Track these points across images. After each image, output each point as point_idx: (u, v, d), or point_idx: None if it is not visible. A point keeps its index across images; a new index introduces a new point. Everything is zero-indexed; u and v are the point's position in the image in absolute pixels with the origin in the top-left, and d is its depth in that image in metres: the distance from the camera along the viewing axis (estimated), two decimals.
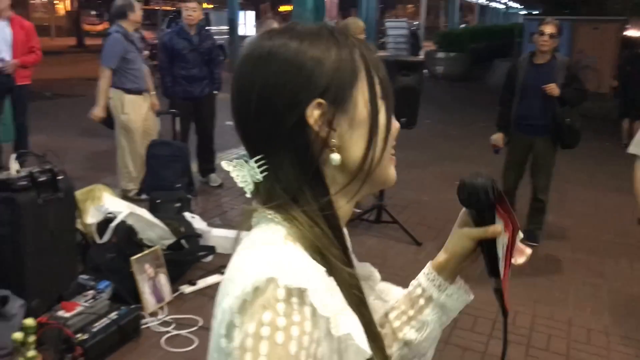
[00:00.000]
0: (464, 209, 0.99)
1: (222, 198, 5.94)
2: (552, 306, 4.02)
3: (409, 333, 1.00)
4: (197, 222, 4.53)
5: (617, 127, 9.53)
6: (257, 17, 23.28)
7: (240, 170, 0.83)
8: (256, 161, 0.82)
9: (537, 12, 28.37)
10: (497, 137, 5.02)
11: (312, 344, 0.69)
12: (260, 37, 0.84)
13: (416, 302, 1.00)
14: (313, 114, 0.79)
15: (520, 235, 0.96)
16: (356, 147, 0.82)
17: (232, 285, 0.72)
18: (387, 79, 0.85)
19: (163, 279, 3.77)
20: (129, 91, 5.46)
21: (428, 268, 1.02)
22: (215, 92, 6.11)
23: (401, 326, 1.00)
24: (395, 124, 0.88)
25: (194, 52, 5.84)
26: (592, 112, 11.08)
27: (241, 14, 20.58)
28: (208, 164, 6.31)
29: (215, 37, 6.42)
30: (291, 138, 0.79)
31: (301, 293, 0.69)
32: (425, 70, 13.94)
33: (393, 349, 1.00)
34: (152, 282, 3.69)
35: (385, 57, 5.25)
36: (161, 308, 3.68)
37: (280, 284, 0.68)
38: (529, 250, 0.96)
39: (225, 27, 18.47)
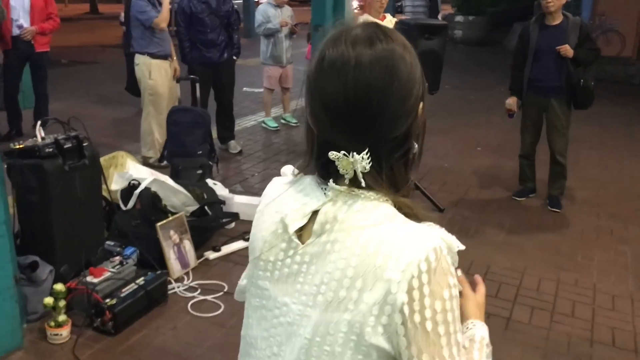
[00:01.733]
0: None
1: (242, 165, 5.93)
2: (576, 272, 4.00)
3: None
4: (219, 189, 4.54)
5: None
6: None
7: (345, 160, 0.91)
8: (366, 154, 0.91)
9: None
10: (512, 101, 4.99)
11: None
12: (363, 41, 0.92)
13: None
14: (420, 115, 0.97)
15: None
16: (421, 137, 1.00)
17: (398, 258, 0.87)
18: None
19: (188, 245, 3.80)
20: (155, 56, 5.43)
21: None
22: (234, 57, 6.05)
23: None
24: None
25: (212, 16, 5.77)
26: (615, 76, 10.88)
27: None
28: (228, 131, 6.30)
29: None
30: (405, 133, 0.94)
31: (454, 254, 0.92)
32: None
33: None
34: (177, 248, 3.72)
35: (408, 21, 5.14)
36: (186, 274, 3.72)
37: (445, 252, 0.88)
38: None
39: None
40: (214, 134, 6.08)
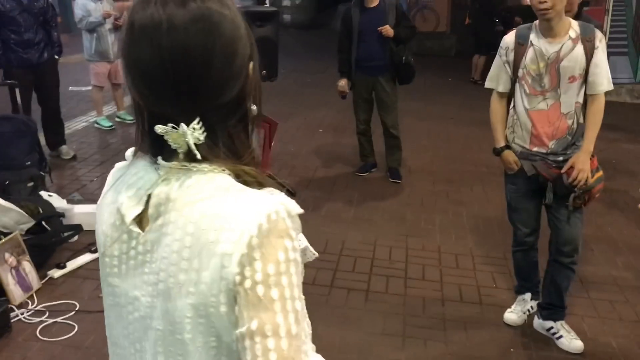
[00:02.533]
0: None
1: (78, 171, 5.53)
2: (421, 238, 4.29)
3: None
4: (56, 201, 4.20)
5: (458, 64, 10.17)
6: None
7: (174, 133, 0.85)
8: (197, 123, 0.86)
9: None
10: (343, 83, 5.22)
11: None
12: (175, 1, 0.84)
13: None
14: (251, 75, 0.92)
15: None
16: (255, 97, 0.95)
17: (231, 229, 0.81)
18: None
19: (28, 267, 3.47)
20: None
21: None
22: (56, 56, 5.59)
23: None
24: None
25: (25, 13, 5.26)
26: (432, 50, 11.74)
27: None
28: (57, 136, 5.82)
29: None
30: (238, 96, 0.90)
31: (294, 216, 0.85)
32: None
33: None
34: (15, 272, 3.38)
35: (240, 9, 5.06)
36: (30, 297, 3.40)
37: (282, 215, 0.83)
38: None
39: None
40: (42, 141, 5.59)
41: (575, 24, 2.81)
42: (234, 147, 0.90)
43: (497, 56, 2.98)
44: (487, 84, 3.06)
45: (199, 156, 0.86)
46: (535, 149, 2.90)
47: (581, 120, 2.84)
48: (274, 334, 0.79)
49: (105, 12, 6.33)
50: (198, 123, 0.86)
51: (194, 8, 0.83)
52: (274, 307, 0.80)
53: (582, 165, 2.78)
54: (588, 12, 7.68)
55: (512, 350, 3.09)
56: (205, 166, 0.87)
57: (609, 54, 9.69)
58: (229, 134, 0.90)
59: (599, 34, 2.79)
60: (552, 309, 3.14)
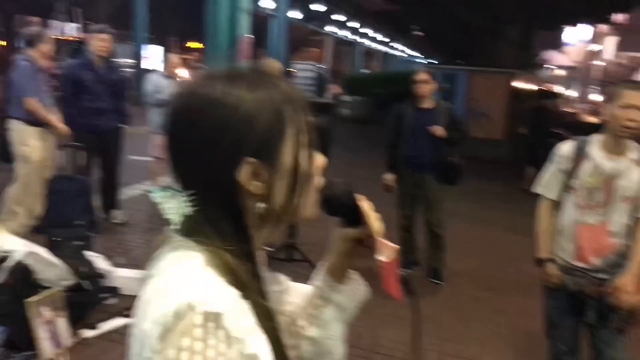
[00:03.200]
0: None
1: (125, 236, 5.68)
2: (458, 344, 4.13)
3: (312, 331, 1.10)
4: (100, 262, 4.30)
5: (512, 170, 10.13)
6: (165, 51, 22.92)
7: (171, 202, 0.89)
8: (188, 196, 0.88)
9: (436, 61, 30.01)
10: (389, 177, 5.28)
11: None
12: (202, 81, 0.89)
13: (315, 302, 1.11)
14: (243, 170, 0.85)
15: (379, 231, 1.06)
16: (280, 194, 0.89)
17: (152, 309, 0.78)
18: (310, 122, 0.92)
19: (62, 323, 3.51)
20: (30, 122, 5.17)
21: (321, 270, 1.13)
22: (122, 125, 5.91)
23: (305, 325, 1.10)
24: (319, 160, 0.95)
25: (100, 84, 5.64)
26: (487, 156, 11.80)
27: (147, 47, 20.21)
28: (111, 200, 6.04)
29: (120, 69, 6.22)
30: (223, 187, 0.86)
31: (217, 317, 0.75)
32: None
33: (303, 348, 1.10)
34: (50, 327, 3.42)
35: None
36: (62, 354, 3.42)
37: (198, 310, 0.75)
38: (395, 246, 1.06)
39: (130, 60, 18.03)
40: (97, 203, 5.81)
41: (635, 145, 2.80)
42: (224, 230, 0.87)
43: (552, 163, 2.96)
44: (539, 190, 3.02)
45: (172, 226, 0.90)
46: (578, 264, 2.83)
47: (629, 243, 2.77)
48: None
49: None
50: (189, 196, 0.88)
51: (202, 91, 0.88)
52: None
53: (628, 287, 2.68)
54: None
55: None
56: (189, 243, 0.86)
57: None
58: (223, 218, 0.87)
59: None
60: None
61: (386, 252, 1.07)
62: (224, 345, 0.75)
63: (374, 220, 1.05)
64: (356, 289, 1.13)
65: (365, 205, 1.06)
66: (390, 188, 5.31)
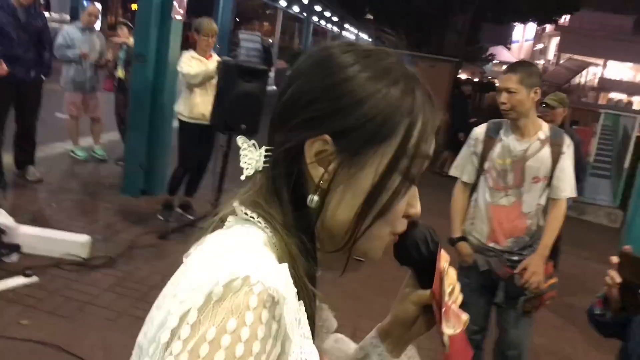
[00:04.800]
0: None
1: (38, 194, 5.38)
2: (373, 320, 4.09)
3: None
4: (2, 217, 4.03)
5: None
6: (105, 11, 22.02)
7: (252, 152, 0.77)
8: (267, 150, 0.76)
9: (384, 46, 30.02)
10: None
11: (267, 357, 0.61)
12: (343, 44, 0.77)
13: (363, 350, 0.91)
14: (313, 145, 0.72)
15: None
16: (345, 211, 0.73)
17: (194, 277, 0.63)
18: (428, 159, 0.76)
19: None
20: None
21: (374, 332, 0.92)
22: (42, 76, 5.56)
23: None
24: (415, 207, 0.79)
25: (20, 30, 5.26)
26: None
27: (87, 3, 19.32)
28: (26, 156, 5.70)
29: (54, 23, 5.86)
30: (291, 149, 0.73)
31: (274, 305, 0.61)
32: (274, 87, 14.07)
33: None
34: None
35: (230, 61, 5.12)
36: None
37: (255, 289, 0.60)
38: (465, 316, 0.82)
39: (66, 15, 17.20)
40: (11, 158, 5.48)
41: (546, 126, 2.80)
42: (284, 206, 0.73)
43: (466, 146, 2.96)
44: (452, 172, 3.02)
45: (243, 177, 0.76)
46: (491, 244, 2.82)
47: (541, 223, 2.78)
48: None
49: (83, 54, 6.35)
50: (266, 150, 0.76)
51: (333, 51, 0.77)
52: None
53: (536, 269, 2.70)
54: (577, 130, 7.87)
55: None
56: (252, 215, 0.73)
57: (594, 175, 9.82)
58: (287, 192, 0.73)
59: (567, 140, 2.78)
60: None
61: (456, 324, 0.82)
62: (271, 341, 0.61)
63: (450, 281, 0.82)
64: None
65: (444, 261, 0.82)
66: None
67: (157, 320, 0.66)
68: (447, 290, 0.81)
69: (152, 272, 4.17)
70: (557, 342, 4.31)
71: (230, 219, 0.76)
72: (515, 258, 2.78)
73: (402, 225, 0.78)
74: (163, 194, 5.35)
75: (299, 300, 0.67)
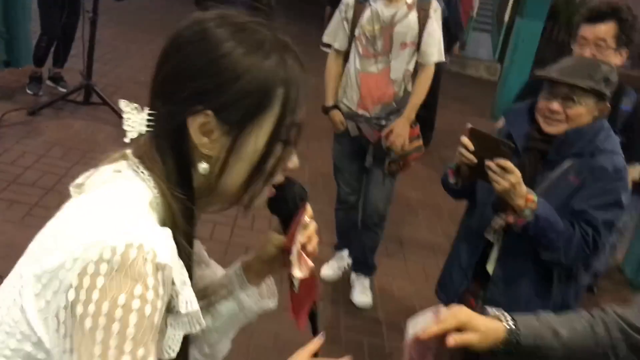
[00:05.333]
0: None
1: None
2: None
3: (204, 318, 0.97)
4: None
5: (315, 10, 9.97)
6: None
7: (134, 115, 0.82)
8: (149, 114, 0.82)
9: None
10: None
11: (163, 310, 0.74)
12: (217, 17, 0.82)
13: (220, 291, 1.03)
14: (196, 120, 0.79)
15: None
16: (235, 175, 0.82)
17: (94, 235, 0.71)
18: (301, 124, 0.84)
19: None
20: None
21: (238, 263, 1.04)
22: None
23: (205, 307, 1.01)
24: (293, 162, 0.88)
25: None
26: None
27: None
28: None
29: None
30: (175, 122, 0.80)
31: (164, 266, 0.73)
32: None
33: None
34: None
35: None
36: None
37: (148, 257, 0.71)
38: (310, 263, 0.95)
39: None
40: None
41: None
42: (169, 168, 0.82)
43: (337, 12, 2.91)
44: (325, 39, 3.00)
45: (127, 140, 0.83)
46: (360, 111, 2.90)
47: (409, 89, 2.87)
48: None
49: None
50: (149, 114, 0.82)
51: (207, 24, 0.82)
52: (94, 349, 0.70)
53: (400, 131, 2.83)
54: None
55: (320, 302, 3.15)
56: (143, 169, 0.82)
57: (477, 30, 9.95)
58: (171, 158, 0.82)
59: (434, 4, 2.80)
60: (357, 262, 3.25)
61: (304, 270, 0.95)
62: (166, 297, 0.74)
63: (306, 232, 0.95)
64: (265, 296, 1.03)
65: (306, 215, 0.95)
66: None
67: (49, 263, 0.73)
68: (302, 240, 0.94)
69: (24, 152, 3.96)
70: (431, 195, 4.65)
71: (122, 163, 0.83)
72: (384, 123, 2.89)
73: (279, 177, 0.90)
74: (29, 66, 4.94)
75: (179, 257, 0.79)
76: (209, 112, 0.78)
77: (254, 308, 1.02)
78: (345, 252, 3.38)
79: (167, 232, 0.77)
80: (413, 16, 2.75)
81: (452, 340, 1.06)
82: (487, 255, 1.89)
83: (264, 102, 0.80)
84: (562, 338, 1.16)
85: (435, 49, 2.81)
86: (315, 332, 1.00)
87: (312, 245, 0.97)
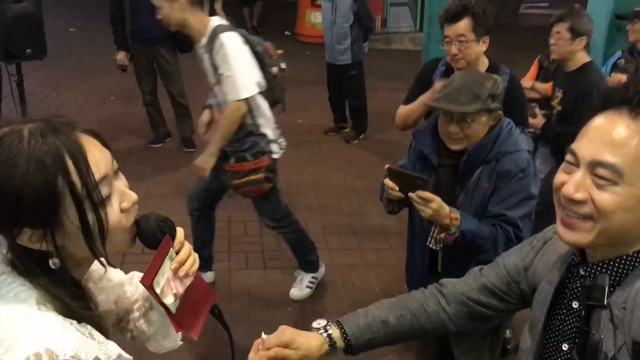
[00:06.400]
0: None
1: None
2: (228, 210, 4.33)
3: (143, 325, 1.21)
4: None
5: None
6: None
7: None
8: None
9: None
10: (121, 56, 5.10)
11: None
12: None
13: (144, 304, 1.21)
14: (23, 237, 0.89)
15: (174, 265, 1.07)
16: (78, 250, 0.93)
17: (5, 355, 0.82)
18: (95, 186, 0.90)
19: None
20: None
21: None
22: None
23: (139, 317, 1.21)
24: (130, 199, 0.98)
25: None
26: None
27: None
28: None
29: None
30: (16, 244, 0.91)
31: (79, 358, 0.85)
32: None
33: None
34: None
35: None
36: None
37: (61, 357, 0.83)
38: (184, 283, 1.08)
39: None
40: None
41: (209, 30, 2.83)
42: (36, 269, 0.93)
43: None
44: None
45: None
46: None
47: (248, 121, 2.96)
48: None
49: None
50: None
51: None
52: None
53: (202, 165, 2.95)
54: None
55: (289, 309, 3.39)
56: (20, 279, 0.92)
57: (394, 5, 9.91)
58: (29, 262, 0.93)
59: (221, 39, 2.78)
60: (299, 260, 3.44)
61: (171, 295, 1.06)
62: None
63: (177, 258, 1.07)
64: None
65: (169, 246, 1.06)
66: (125, 67, 5.14)
67: None
68: (172, 267, 1.06)
69: None
70: (375, 180, 4.78)
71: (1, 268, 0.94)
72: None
73: (128, 220, 0.99)
74: None
75: (83, 323, 0.93)
76: (25, 229, 0.89)
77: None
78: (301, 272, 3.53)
79: (64, 321, 0.90)
80: (207, 58, 2.88)
81: (273, 352, 1.19)
82: (437, 256, 2.19)
83: (53, 199, 0.88)
84: (389, 324, 1.33)
85: (230, 87, 2.83)
86: (226, 328, 1.18)
87: (185, 270, 1.08)
